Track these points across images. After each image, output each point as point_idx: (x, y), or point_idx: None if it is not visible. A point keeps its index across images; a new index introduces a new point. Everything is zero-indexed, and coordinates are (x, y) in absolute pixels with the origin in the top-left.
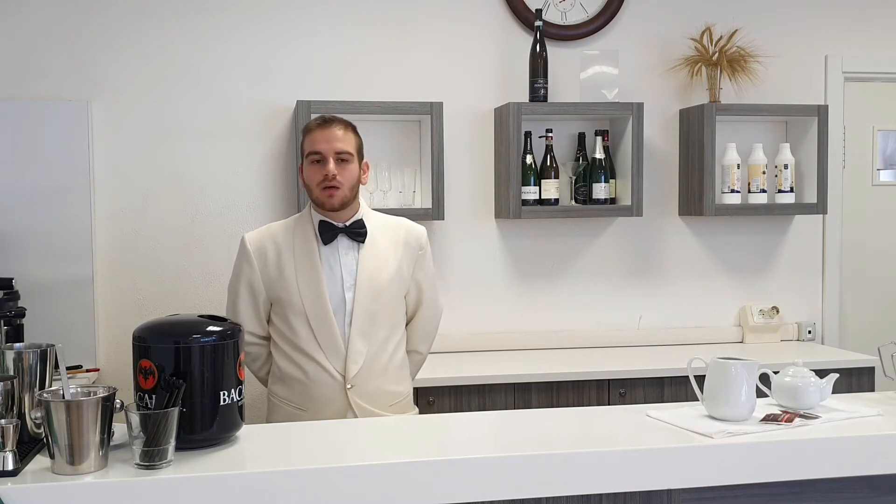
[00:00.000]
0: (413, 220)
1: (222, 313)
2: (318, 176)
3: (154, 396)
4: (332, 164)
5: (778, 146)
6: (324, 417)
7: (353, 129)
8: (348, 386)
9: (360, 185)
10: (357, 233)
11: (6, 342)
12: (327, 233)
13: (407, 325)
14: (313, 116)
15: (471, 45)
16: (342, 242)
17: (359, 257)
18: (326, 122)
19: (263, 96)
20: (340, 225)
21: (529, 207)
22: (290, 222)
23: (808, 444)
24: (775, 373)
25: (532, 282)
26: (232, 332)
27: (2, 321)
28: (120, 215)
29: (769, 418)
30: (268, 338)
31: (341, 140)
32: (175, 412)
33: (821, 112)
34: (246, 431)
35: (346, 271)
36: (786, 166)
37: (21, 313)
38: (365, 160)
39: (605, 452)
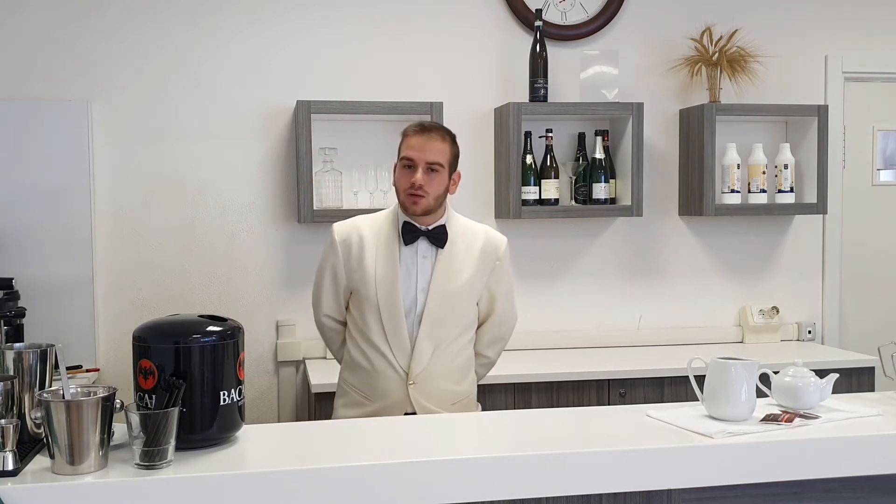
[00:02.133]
0: None
1: (222, 313)
2: (406, 182)
3: (154, 396)
4: (420, 174)
5: (778, 146)
6: (385, 409)
7: (452, 140)
8: (410, 383)
9: (449, 195)
10: (438, 237)
11: (6, 342)
12: (409, 234)
13: (479, 328)
14: (312, 116)
15: (471, 45)
16: (422, 245)
17: (435, 262)
18: (425, 129)
19: (263, 96)
20: (423, 228)
21: (529, 207)
22: (379, 217)
23: (808, 444)
24: (775, 373)
25: (532, 282)
26: (232, 332)
27: (2, 321)
28: (120, 215)
29: (769, 418)
30: (345, 323)
31: (436, 151)
32: (175, 412)
33: (821, 112)
34: (246, 431)
35: (422, 274)
36: (786, 166)
37: (21, 313)
38: (458, 170)
39: (605, 452)
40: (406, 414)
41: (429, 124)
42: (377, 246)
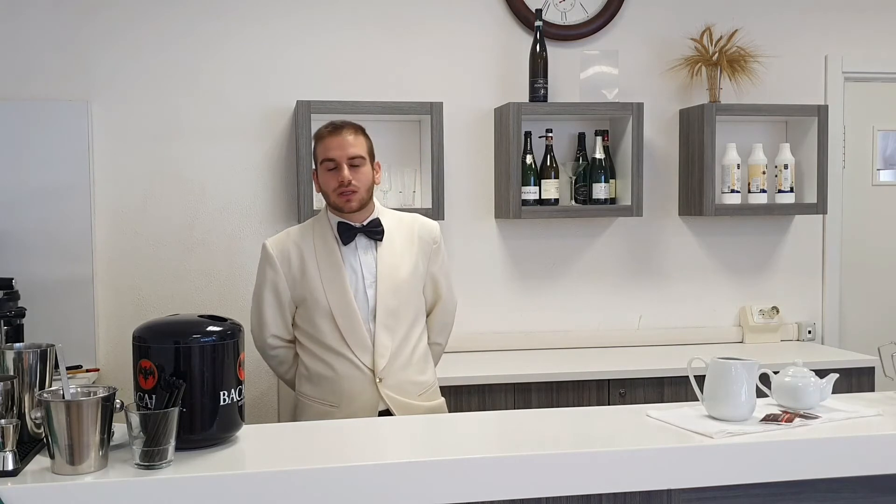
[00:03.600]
0: None
1: (222, 313)
2: (334, 182)
3: (154, 396)
4: (346, 171)
5: (778, 146)
6: (355, 411)
7: (363, 132)
8: (378, 379)
9: (375, 185)
10: (374, 231)
11: (6, 342)
12: (346, 233)
13: (427, 317)
14: (312, 116)
15: (471, 45)
16: (360, 241)
17: (377, 255)
18: (337, 128)
19: (263, 96)
20: (358, 225)
21: (529, 207)
22: (308, 226)
23: (808, 444)
24: (775, 373)
25: (532, 282)
26: (232, 332)
27: (2, 321)
28: (120, 215)
29: (769, 418)
30: (292, 341)
31: (353, 145)
32: (175, 412)
33: (821, 112)
34: (246, 431)
35: (367, 269)
36: (786, 166)
37: (21, 313)
38: (377, 160)
39: (605, 452)
40: (380, 413)
41: (339, 122)
42: (316, 251)
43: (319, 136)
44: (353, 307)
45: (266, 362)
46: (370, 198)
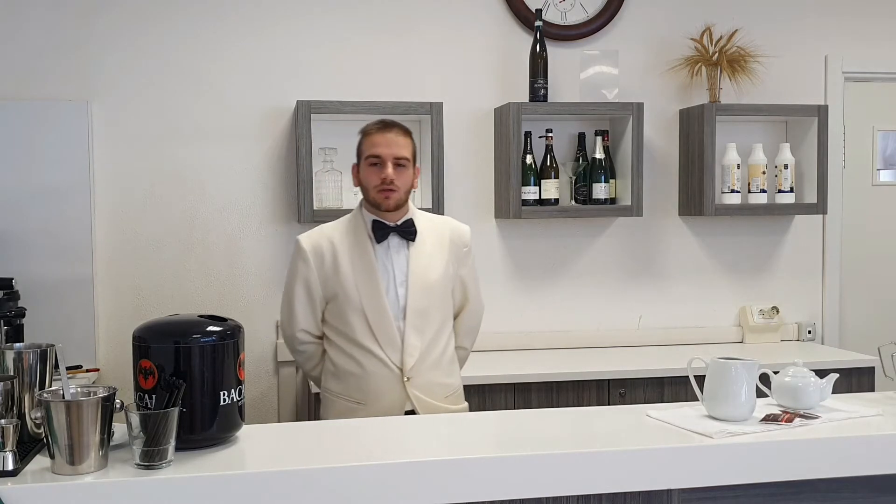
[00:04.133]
0: None
1: (222, 313)
2: (376, 179)
3: (154, 396)
4: (390, 169)
5: (778, 146)
6: (381, 409)
7: (410, 135)
8: (405, 378)
9: (413, 189)
10: (408, 231)
11: (6, 342)
12: (380, 231)
13: (455, 319)
14: (312, 116)
15: (471, 45)
16: (393, 241)
17: (409, 255)
18: (387, 126)
19: (263, 96)
20: (392, 224)
21: (529, 207)
22: (343, 222)
23: (808, 444)
24: (775, 373)
25: (532, 282)
26: (232, 332)
27: (2, 321)
28: (120, 215)
29: (769, 418)
30: (321, 337)
31: (401, 146)
32: (175, 412)
33: (821, 112)
34: (246, 431)
35: (398, 268)
36: (786, 166)
37: (21, 313)
38: (418, 165)
39: (605, 452)
40: (406, 412)
41: (389, 121)
42: (349, 248)
43: (367, 132)
44: (385, 304)
45: (294, 357)
46: (407, 199)
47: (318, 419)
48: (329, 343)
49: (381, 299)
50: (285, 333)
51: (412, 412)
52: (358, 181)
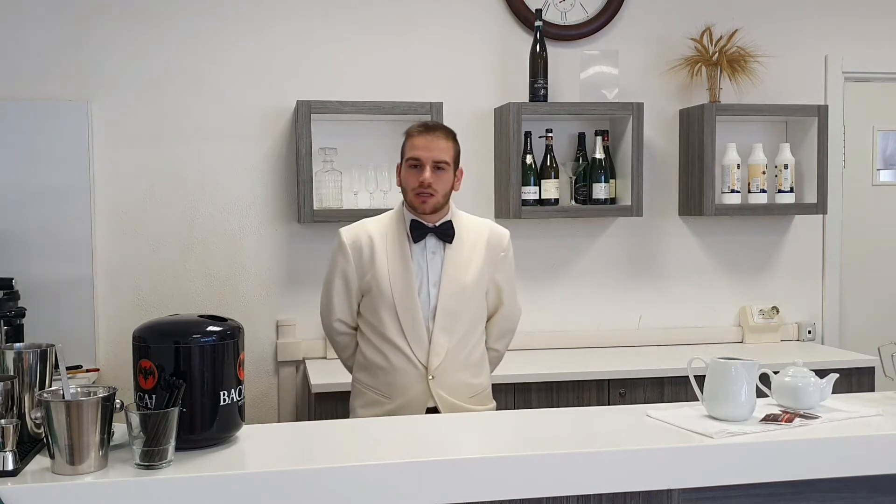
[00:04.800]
0: None
1: (222, 313)
2: (415, 182)
3: (154, 396)
4: (428, 173)
5: (778, 146)
6: (406, 405)
7: (454, 138)
8: (430, 377)
9: (454, 191)
10: (445, 234)
11: (6, 342)
12: (417, 231)
13: (488, 321)
14: (313, 117)
15: (471, 45)
16: (430, 242)
17: (444, 256)
18: (429, 128)
19: (263, 96)
20: (430, 225)
21: (529, 207)
22: (384, 219)
23: (808, 444)
24: (775, 373)
25: (532, 282)
26: (232, 332)
27: (2, 321)
28: (120, 215)
29: (769, 418)
30: (356, 328)
31: (441, 149)
32: (175, 412)
33: (821, 112)
34: (246, 431)
35: (433, 269)
36: (786, 166)
37: (21, 313)
38: (461, 167)
39: (605, 452)
40: (428, 409)
41: (432, 124)
42: (387, 245)
43: (410, 134)
44: (416, 303)
45: (332, 346)
46: (446, 202)
47: (349, 409)
48: (361, 336)
49: (412, 298)
50: (324, 322)
51: (435, 409)
52: (399, 181)
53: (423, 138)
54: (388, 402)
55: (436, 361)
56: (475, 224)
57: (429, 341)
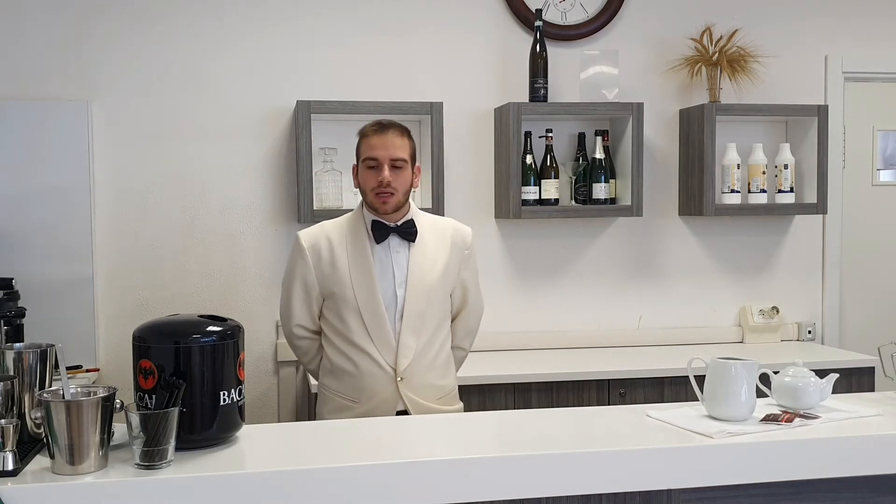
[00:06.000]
0: None
1: (222, 313)
2: (373, 182)
3: (154, 396)
4: (387, 172)
5: (778, 146)
6: (374, 409)
7: (409, 135)
8: (399, 379)
9: (413, 189)
10: (408, 232)
11: (6, 342)
12: (379, 232)
13: (453, 321)
14: (312, 117)
15: (471, 45)
16: (393, 241)
17: (409, 256)
18: (383, 127)
19: (263, 96)
20: (392, 225)
21: (529, 207)
22: (343, 221)
23: (808, 444)
24: (775, 373)
25: (532, 282)
26: (232, 332)
27: (2, 321)
28: (120, 215)
29: (769, 418)
30: (318, 332)
31: (397, 147)
32: (175, 412)
33: (821, 112)
34: (246, 431)
35: (397, 269)
36: (786, 166)
37: (21, 313)
38: (418, 164)
39: (605, 452)
40: (398, 412)
41: (386, 122)
42: (348, 247)
43: (364, 134)
44: (381, 305)
45: (292, 351)
46: (406, 200)
47: (315, 414)
48: (326, 340)
49: (376, 300)
50: (283, 327)
51: (404, 412)
52: (357, 183)
53: (379, 137)
54: (357, 406)
55: (404, 363)
56: (438, 222)
57: (396, 343)
